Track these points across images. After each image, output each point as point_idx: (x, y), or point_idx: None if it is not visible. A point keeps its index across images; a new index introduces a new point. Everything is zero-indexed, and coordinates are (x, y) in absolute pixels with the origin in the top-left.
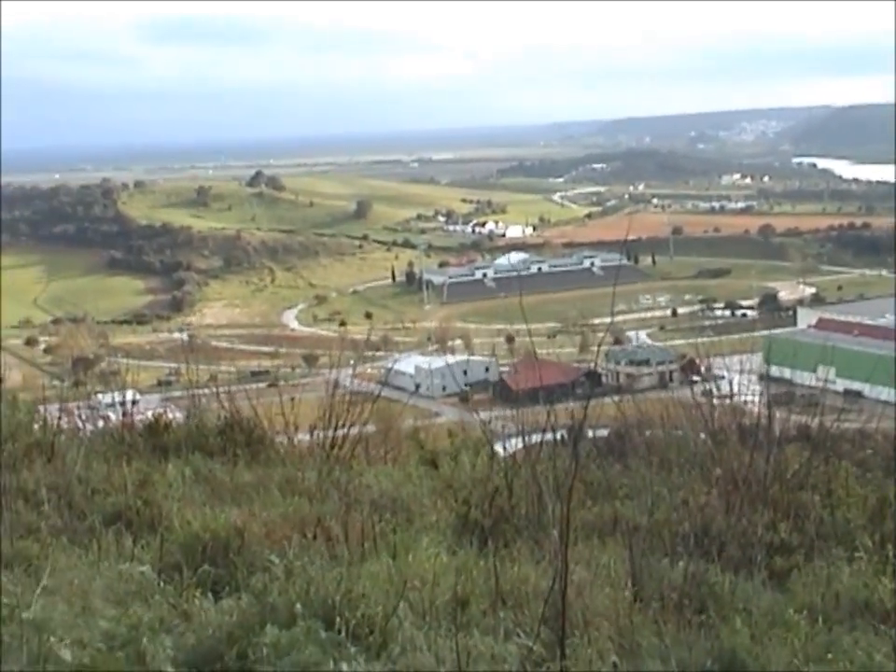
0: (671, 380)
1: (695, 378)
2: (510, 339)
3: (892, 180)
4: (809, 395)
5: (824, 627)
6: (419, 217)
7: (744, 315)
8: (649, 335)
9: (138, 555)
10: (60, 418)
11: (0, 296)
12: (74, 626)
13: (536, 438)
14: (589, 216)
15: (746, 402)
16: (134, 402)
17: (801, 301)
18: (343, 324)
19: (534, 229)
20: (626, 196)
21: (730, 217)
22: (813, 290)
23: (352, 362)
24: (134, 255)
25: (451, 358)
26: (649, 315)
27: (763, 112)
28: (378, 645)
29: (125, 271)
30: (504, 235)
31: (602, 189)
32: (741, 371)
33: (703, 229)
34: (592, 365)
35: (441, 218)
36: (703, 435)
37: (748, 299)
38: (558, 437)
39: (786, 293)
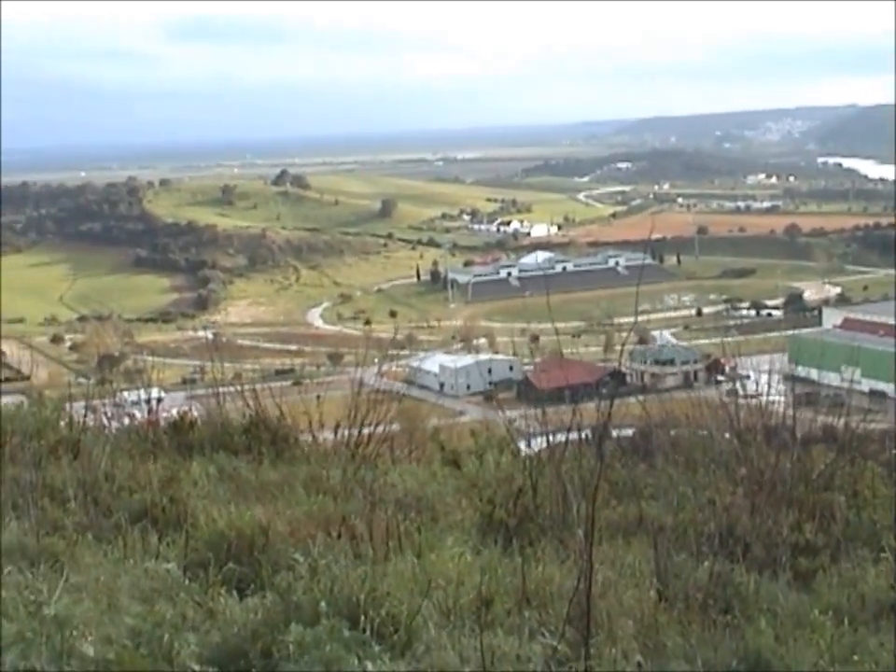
0: (696, 379)
1: (720, 378)
2: (534, 338)
3: None
4: (834, 395)
5: (850, 629)
6: (444, 215)
7: (769, 314)
8: (673, 335)
9: (163, 553)
10: (86, 416)
11: (19, 293)
12: (99, 623)
13: (560, 437)
14: (614, 215)
15: (771, 402)
16: (159, 400)
17: (826, 301)
18: (367, 322)
19: (559, 228)
20: (651, 195)
21: (755, 216)
22: (838, 290)
23: (376, 361)
24: (160, 253)
25: (475, 357)
26: (673, 314)
27: (789, 111)
28: (402, 644)
29: (150, 269)
30: (529, 234)
31: (627, 188)
32: (766, 371)
33: (728, 228)
34: (616, 364)
35: (466, 217)
36: (728, 435)
37: (773, 299)
38: (583, 436)
39: (811, 293)
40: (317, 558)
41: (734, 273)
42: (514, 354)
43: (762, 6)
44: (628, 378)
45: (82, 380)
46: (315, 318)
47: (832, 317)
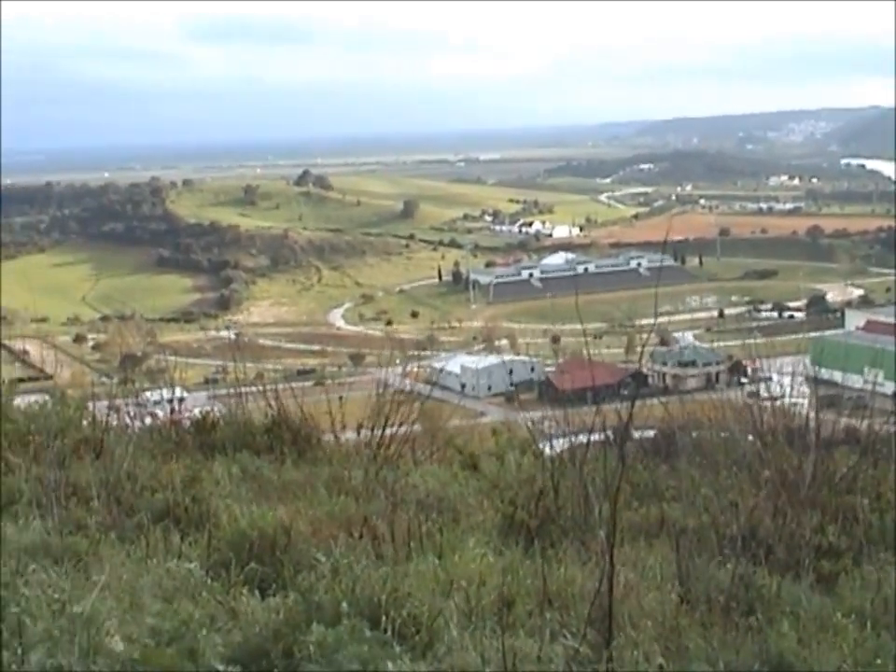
0: (717, 381)
1: (742, 380)
2: (555, 339)
3: None
4: (857, 397)
5: (872, 632)
6: (466, 216)
7: (791, 316)
8: (695, 336)
9: (186, 552)
10: (108, 415)
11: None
12: (123, 622)
13: (582, 438)
14: (636, 216)
15: (794, 404)
16: (182, 400)
17: (849, 303)
18: (389, 323)
19: (581, 229)
20: (674, 197)
21: (778, 218)
22: (861, 292)
23: (398, 361)
24: (182, 253)
25: (496, 358)
26: (695, 316)
27: (812, 113)
28: (424, 644)
29: (173, 269)
30: (551, 235)
31: (649, 189)
32: (789, 373)
33: (750, 230)
34: (638, 365)
35: (488, 218)
36: (750, 437)
37: (795, 300)
38: (605, 437)
39: (834, 295)
40: (339, 558)
41: (756, 275)
42: (536, 355)
43: (786, 6)
44: (650, 379)
45: (105, 379)
46: (337, 319)
47: (854, 319)
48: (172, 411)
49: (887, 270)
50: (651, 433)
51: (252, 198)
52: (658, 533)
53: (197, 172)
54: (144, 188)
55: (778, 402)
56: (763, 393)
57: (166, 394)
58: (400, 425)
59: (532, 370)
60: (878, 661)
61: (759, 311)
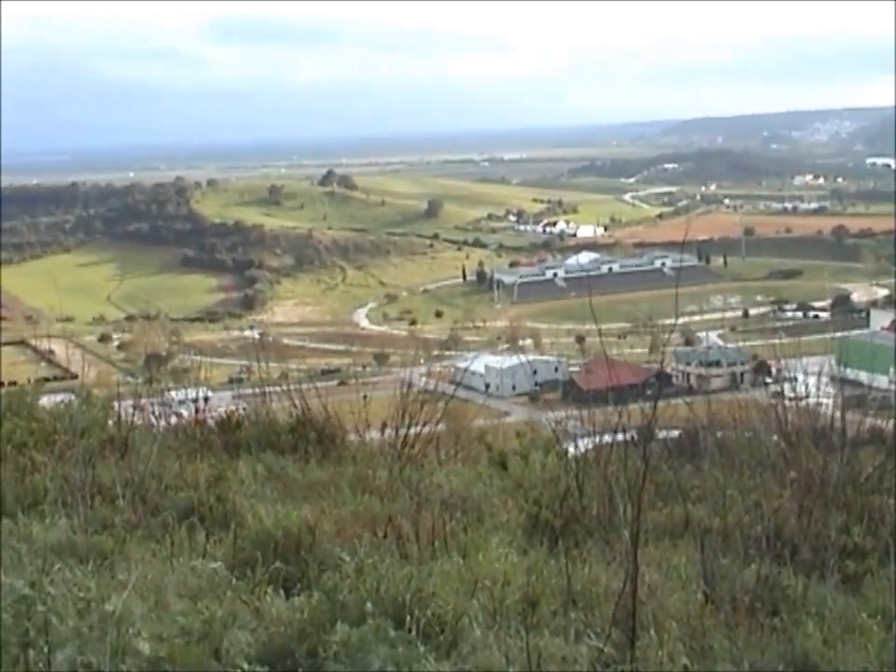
0: (742, 381)
1: (767, 380)
2: (580, 339)
3: None
4: (882, 397)
5: None
6: (490, 216)
7: (816, 316)
8: (720, 336)
9: (211, 551)
10: (133, 414)
11: (68, 293)
12: (149, 620)
13: (606, 438)
14: (660, 216)
15: (819, 404)
16: (206, 399)
17: (874, 303)
18: (413, 323)
19: (605, 229)
20: (698, 196)
21: (802, 217)
22: (886, 292)
23: (422, 361)
24: (207, 253)
25: (521, 358)
26: (720, 315)
27: (837, 112)
28: (448, 644)
29: (198, 268)
30: (575, 235)
31: (674, 189)
32: (814, 373)
33: (775, 229)
34: (660, 365)
35: (512, 218)
36: (775, 437)
37: (820, 300)
38: (629, 437)
39: (859, 295)
40: (363, 558)
41: (780, 275)
42: (560, 355)
43: (811, 5)
44: (674, 379)
45: (130, 379)
46: (361, 318)
47: (879, 319)
48: (196, 410)
49: None
50: (675, 433)
51: (277, 198)
52: (683, 533)
53: (222, 172)
54: (169, 187)
55: (803, 402)
56: (788, 393)
57: (191, 393)
58: (425, 424)
59: (556, 369)
60: None
61: (783, 311)
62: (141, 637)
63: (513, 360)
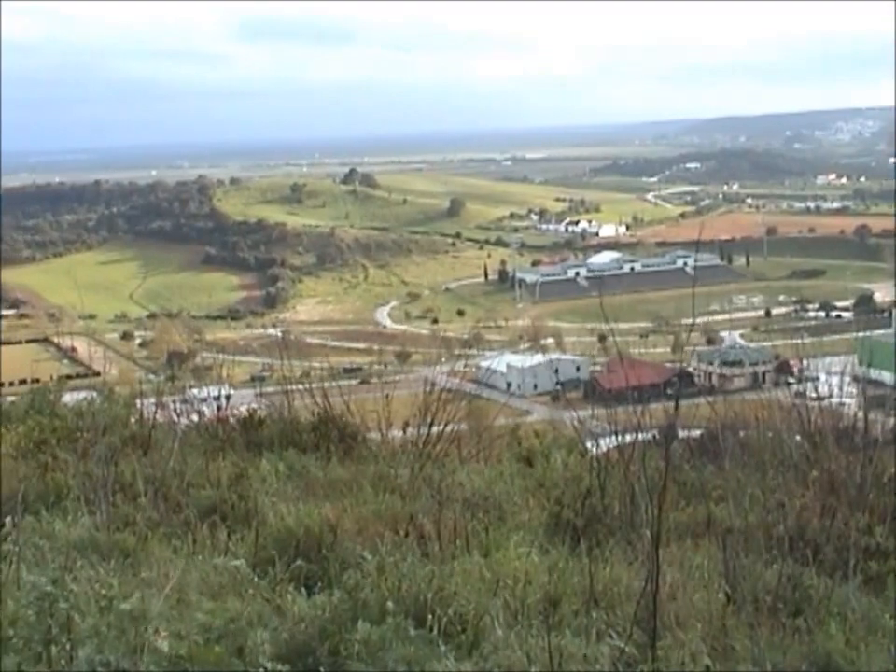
0: (764, 381)
1: (789, 379)
2: (602, 338)
3: None
4: None
5: None
6: (512, 215)
7: (838, 316)
8: (742, 336)
9: (232, 549)
10: (156, 412)
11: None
12: (170, 618)
13: (628, 437)
14: (683, 215)
15: (841, 404)
16: (228, 397)
17: None
18: (435, 321)
19: (627, 228)
20: (720, 196)
21: (825, 217)
22: None
23: (444, 360)
24: (229, 251)
25: (542, 357)
26: (742, 315)
27: (860, 111)
28: (469, 643)
29: (220, 267)
30: (597, 234)
31: (696, 188)
32: (836, 373)
33: (797, 229)
34: (682, 365)
35: (534, 217)
36: (798, 437)
37: (843, 300)
38: (651, 437)
39: (882, 294)
40: (385, 556)
41: (803, 274)
42: (582, 354)
43: (833, 5)
44: (696, 379)
45: (152, 376)
46: (384, 317)
47: None
48: (218, 408)
49: None
50: (697, 433)
51: (299, 196)
52: (705, 533)
53: (244, 170)
54: (191, 186)
55: (826, 402)
56: (811, 393)
57: (213, 391)
58: (446, 423)
59: (578, 369)
60: None
61: (806, 310)
62: (160, 635)
63: (535, 359)
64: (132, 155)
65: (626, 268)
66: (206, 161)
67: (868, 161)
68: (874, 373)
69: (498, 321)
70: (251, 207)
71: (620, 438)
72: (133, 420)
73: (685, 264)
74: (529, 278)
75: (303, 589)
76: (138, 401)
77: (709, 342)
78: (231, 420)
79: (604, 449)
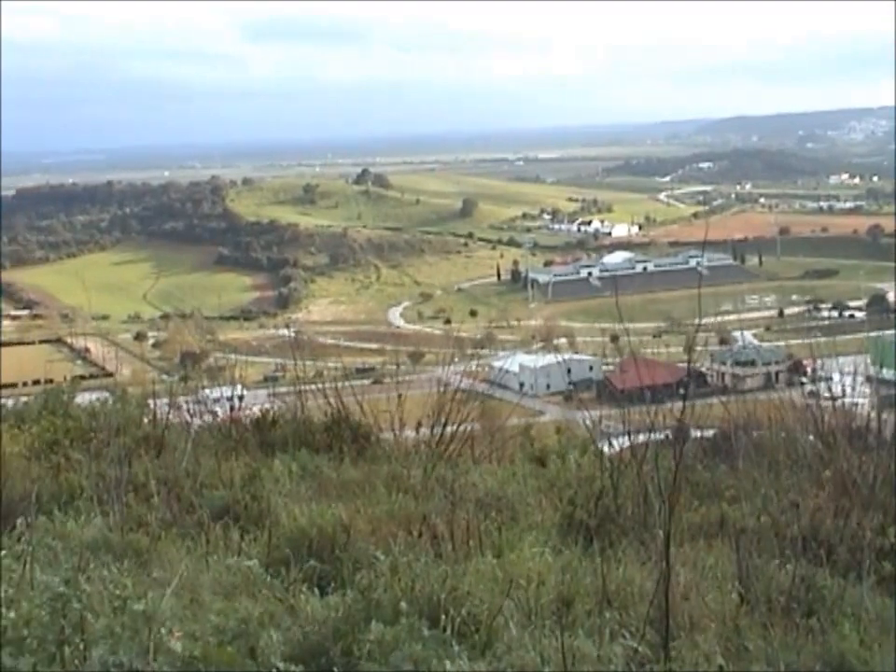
0: (777, 381)
1: (802, 379)
2: (614, 338)
3: None
4: None
5: None
6: (524, 215)
7: (851, 316)
8: (755, 335)
9: (245, 549)
10: (169, 412)
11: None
12: (183, 619)
13: (641, 437)
14: (695, 215)
15: (854, 404)
16: (241, 397)
17: None
18: (447, 322)
19: (640, 228)
20: (733, 195)
21: (838, 217)
22: None
23: (456, 360)
24: (242, 251)
25: (555, 357)
26: (755, 315)
27: (873, 111)
28: (483, 643)
29: (233, 267)
30: (610, 234)
31: (709, 188)
32: (849, 373)
33: (810, 229)
34: (695, 365)
35: (547, 217)
36: (811, 436)
37: (856, 300)
38: (664, 437)
39: (895, 294)
40: (398, 557)
41: (816, 274)
42: (594, 354)
43: (846, 5)
44: (709, 379)
45: (165, 377)
46: (396, 317)
47: None
48: (231, 408)
49: None
50: (710, 432)
51: (311, 196)
52: (718, 533)
53: (257, 170)
54: (204, 186)
55: (839, 402)
56: (824, 393)
57: (226, 392)
58: (459, 423)
59: (591, 368)
60: None
61: (819, 310)
62: (174, 635)
63: (548, 359)
64: (142, 155)
65: (639, 268)
66: (217, 161)
67: (881, 161)
68: (887, 373)
69: (511, 321)
70: (264, 208)
71: (633, 438)
72: (146, 420)
73: (698, 264)
74: (542, 278)
75: (316, 589)
76: (151, 402)
77: (722, 341)
78: (244, 420)
79: (617, 449)
